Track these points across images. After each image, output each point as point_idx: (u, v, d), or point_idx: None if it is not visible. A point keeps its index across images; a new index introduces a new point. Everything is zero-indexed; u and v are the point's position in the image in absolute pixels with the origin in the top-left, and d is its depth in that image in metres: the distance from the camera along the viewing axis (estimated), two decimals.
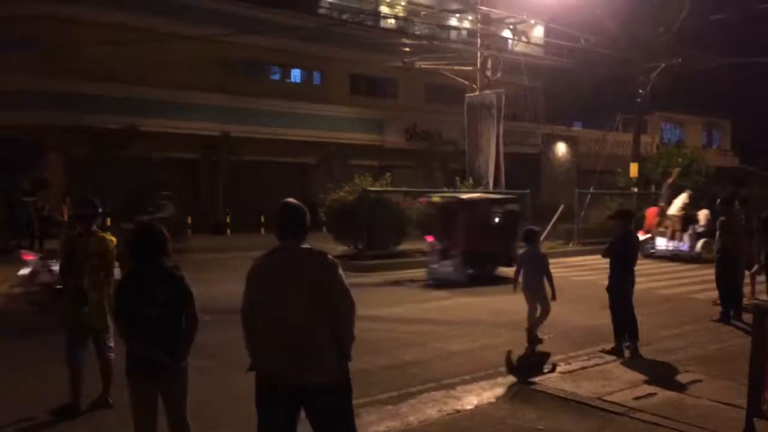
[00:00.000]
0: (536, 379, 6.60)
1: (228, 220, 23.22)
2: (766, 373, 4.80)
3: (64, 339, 5.66)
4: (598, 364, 7.23)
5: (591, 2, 23.43)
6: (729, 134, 44.68)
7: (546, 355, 7.69)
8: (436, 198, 14.88)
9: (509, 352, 7.65)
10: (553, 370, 7.11)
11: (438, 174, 26.12)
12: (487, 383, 6.61)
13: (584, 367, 7.09)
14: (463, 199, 14.15)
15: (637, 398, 5.99)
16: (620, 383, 6.44)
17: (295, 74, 28.01)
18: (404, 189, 17.99)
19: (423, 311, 10.59)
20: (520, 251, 8.58)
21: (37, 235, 16.92)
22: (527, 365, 7.30)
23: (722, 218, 10.01)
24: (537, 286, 7.87)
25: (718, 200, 10.39)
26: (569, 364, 7.30)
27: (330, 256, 3.62)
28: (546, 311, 7.92)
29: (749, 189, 22.94)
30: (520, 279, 7.99)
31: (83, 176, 19.50)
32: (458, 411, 5.84)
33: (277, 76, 27.63)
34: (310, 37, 24.54)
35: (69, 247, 5.83)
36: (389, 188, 17.06)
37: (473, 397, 6.19)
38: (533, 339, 7.90)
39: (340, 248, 16.11)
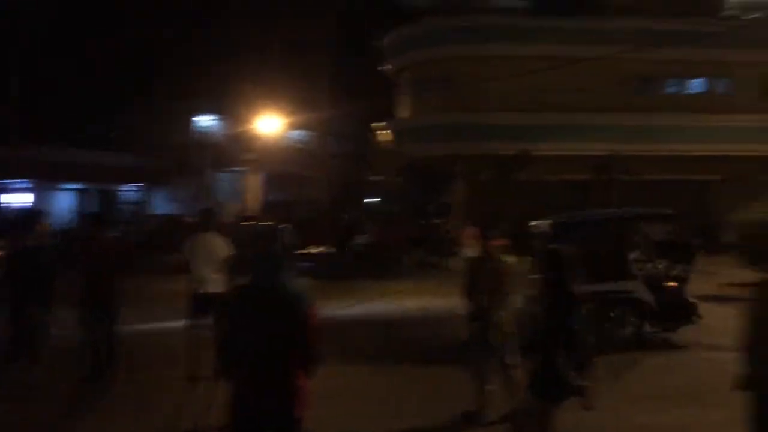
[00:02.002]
0: None
1: None
2: None
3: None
4: None
5: None
6: None
7: None
8: None
9: None
10: None
11: None
12: None
13: None
14: None
15: None
16: None
17: (695, 84, 25.84)
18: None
19: None
20: None
21: (445, 254, 18.78)
22: None
23: None
24: None
25: None
26: None
27: None
28: None
29: None
30: None
31: (483, 201, 21.05)
32: None
33: (674, 89, 25.88)
34: (711, 43, 22.42)
35: (470, 269, 6.28)
36: None
37: None
38: None
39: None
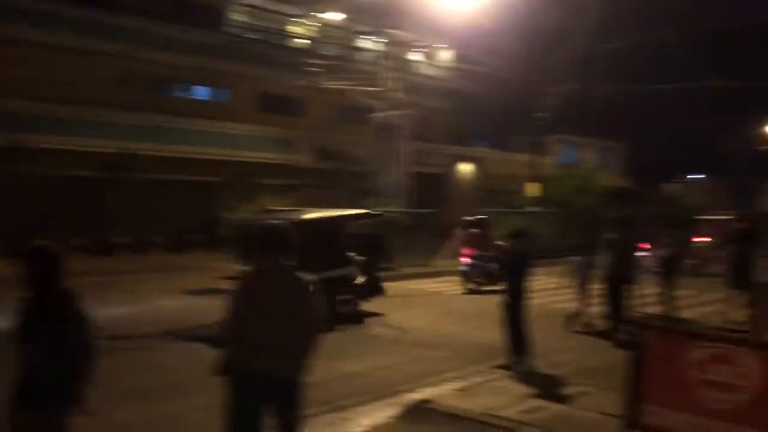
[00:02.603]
0: (431, 397, 6.65)
1: (127, 240, 22.31)
2: (645, 385, 5.01)
3: None
4: (491, 380, 7.37)
5: (498, 28, 24.15)
6: (623, 158, 47.03)
7: None
8: None
9: None
10: None
11: (346, 193, 26.19)
12: (381, 403, 6.59)
13: (478, 383, 7.22)
14: None
15: (527, 412, 6.14)
16: (512, 398, 6.59)
17: (204, 92, 27.45)
18: (307, 209, 17.82)
19: None
20: None
21: None
22: None
23: (608, 236, 10.50)
24: None
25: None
26: (464, 380, 7.41)
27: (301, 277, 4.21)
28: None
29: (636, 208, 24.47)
30: None
31: None
32: None
33: (184, 94, 26.97)
34: (218, 55, 24.17)
35: None
36: (293, 207, 16.87)
37: (367, 419, 6.16)
38: None
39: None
